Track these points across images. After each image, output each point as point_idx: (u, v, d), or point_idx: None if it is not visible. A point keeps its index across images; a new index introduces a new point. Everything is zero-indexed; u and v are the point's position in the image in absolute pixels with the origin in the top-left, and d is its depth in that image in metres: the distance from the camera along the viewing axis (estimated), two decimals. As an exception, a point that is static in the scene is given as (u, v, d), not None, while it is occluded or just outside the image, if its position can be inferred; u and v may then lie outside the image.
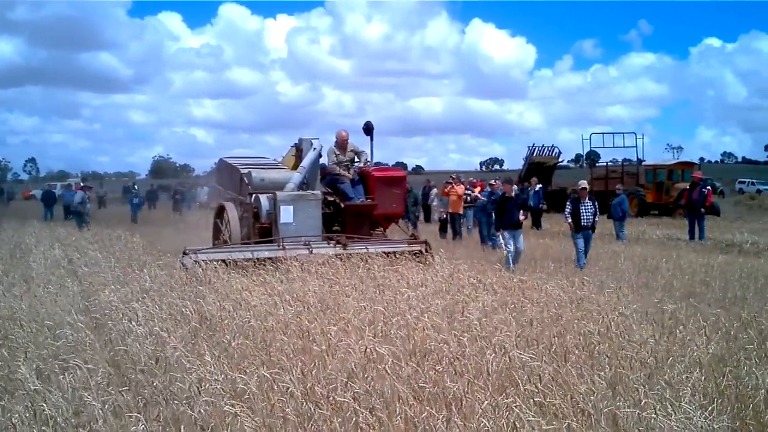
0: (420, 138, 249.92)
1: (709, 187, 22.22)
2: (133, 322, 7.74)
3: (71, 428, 5.18)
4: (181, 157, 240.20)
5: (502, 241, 15.14)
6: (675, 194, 33.69)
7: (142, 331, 7.34)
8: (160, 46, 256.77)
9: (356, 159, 14.45)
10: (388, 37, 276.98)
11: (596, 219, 15.56)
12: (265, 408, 5.30)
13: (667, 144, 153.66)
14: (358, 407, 5.08)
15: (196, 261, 11.34)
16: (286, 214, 12.74)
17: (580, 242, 15.15)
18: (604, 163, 42.95)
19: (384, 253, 12.33)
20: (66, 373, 6.18)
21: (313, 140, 13.93)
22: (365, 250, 12.38)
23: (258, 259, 11.56)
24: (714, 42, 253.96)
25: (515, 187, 19.95)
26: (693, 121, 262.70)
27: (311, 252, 12.09)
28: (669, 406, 4.99)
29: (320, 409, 5.16)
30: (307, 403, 5.31)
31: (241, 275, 10.51)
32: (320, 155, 13.92)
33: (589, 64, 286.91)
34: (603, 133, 42.43)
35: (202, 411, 5.15)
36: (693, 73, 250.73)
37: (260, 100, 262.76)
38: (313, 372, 6.03)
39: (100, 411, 5.27)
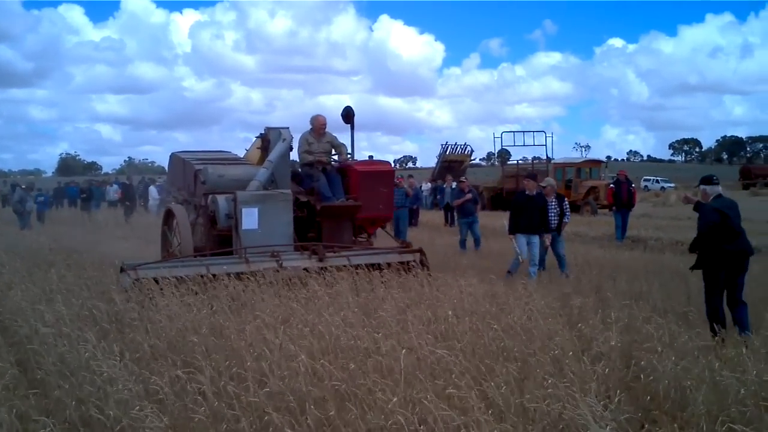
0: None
1: (633, 185, 22.67)
2: (40, 323, 7.56)
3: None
4: (88, 154, 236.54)
5: (515, 244, 12.92)
6: (583, 191, 34.46)
7: (50, 332, 7.18)
8: (59, 39, 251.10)
9: (333, 152, 12.38)
10: (293, 32, 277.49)
11: (565, 220, 13.94)
12: (176, 409, 5.26)
13: (576, 142, 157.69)
14: (269, 406, 5.08)
15: (136, 279, 9.45)
16: (249, 218, 10.63)
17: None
18: (515, 161, 43.57)
19: (369, 265, 10.53)
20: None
21: (282, 130, 11.80)
22: (347, 262, 10.64)
23: (214, 275, 9.57)
24: (617, 42, 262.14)
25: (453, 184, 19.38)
26: (598, 120, 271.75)
27: (281, 265, 10.15)
28: (575, 399, 5.12)
29: (232, 410, 5.14)
30: (219, 403, 5.29)
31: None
32: (291, 147, 11.86)
33: (496, 63, 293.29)
34: (513, 132, 43.17)
35: (111, 413, 5.07)
36: (597, 72, 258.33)
37: (166, 96, 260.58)
38: (227, 371, 6.01)
39: (6, 415, 5.15)
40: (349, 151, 12.55)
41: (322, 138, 12.22)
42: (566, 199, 14.77)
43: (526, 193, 13.24)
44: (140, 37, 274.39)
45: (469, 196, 18.31)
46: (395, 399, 5.09)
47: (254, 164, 12.20)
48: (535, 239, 12.92)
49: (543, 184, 14.09)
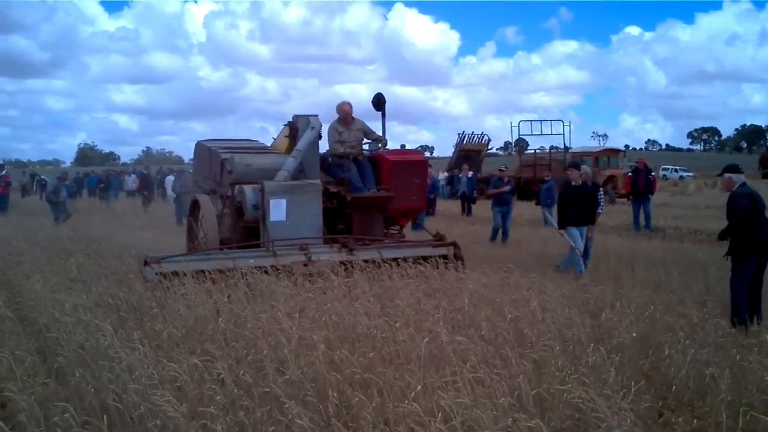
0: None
1: (654, 174, 22.54)
2: (59, 312, 7.60)
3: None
4: (106, 144, 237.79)
5: (568, 239, 12.20)
6: (601, 180, 34.30)
7: (69, 321, 7.21)
8: (75, 30, 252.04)
9: (365, 140, 11.95)
10: (307, 21, 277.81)
11: (598, 210, 13.32)
12: (195, 396, 5.28)
13: (593, 131, 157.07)
14: (286, 394, 5.09)
15: (159, 273, 9.02)
16: (277, 209, 10.15)
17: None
18: (533, 151, 43.38)
19: (401, 259, 10.03)
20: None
21: (311, 117, 11.29)
22: (378, 255, 10.15)
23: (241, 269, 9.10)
24: (633, 30, 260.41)
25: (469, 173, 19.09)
26: (616, 109, 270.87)
27: (310, 258, 9.74)
28: (593, 388, 5.10)
29: (250, 398, 5.16)
30: (237, 391, 5.30)
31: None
32: (320, 136, 11.36)
33: (512, 51, 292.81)
34: (531, 121, 43.10)
35: (131, 399, 5.10)
36: (614, 60, 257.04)
37: (181, 86, 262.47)
38: (245, 359, 6.03)
39: (27, 402, 5.18)
40: (386, 141, 12.11)
41: (352, 126, 11.72)
42: (602, 188, 14.49)
43: (572, 183, 12.55)
44: (155, 26, 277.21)
45: (507, 188, 18.17)
46: (418, 387, 5.09)
47: (282, 153, 11.70)
48: (584, 231, 12.42)
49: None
